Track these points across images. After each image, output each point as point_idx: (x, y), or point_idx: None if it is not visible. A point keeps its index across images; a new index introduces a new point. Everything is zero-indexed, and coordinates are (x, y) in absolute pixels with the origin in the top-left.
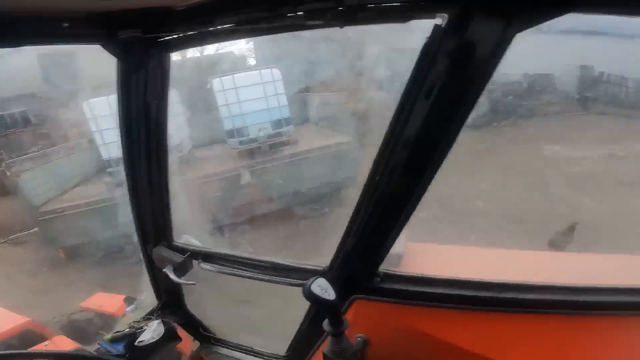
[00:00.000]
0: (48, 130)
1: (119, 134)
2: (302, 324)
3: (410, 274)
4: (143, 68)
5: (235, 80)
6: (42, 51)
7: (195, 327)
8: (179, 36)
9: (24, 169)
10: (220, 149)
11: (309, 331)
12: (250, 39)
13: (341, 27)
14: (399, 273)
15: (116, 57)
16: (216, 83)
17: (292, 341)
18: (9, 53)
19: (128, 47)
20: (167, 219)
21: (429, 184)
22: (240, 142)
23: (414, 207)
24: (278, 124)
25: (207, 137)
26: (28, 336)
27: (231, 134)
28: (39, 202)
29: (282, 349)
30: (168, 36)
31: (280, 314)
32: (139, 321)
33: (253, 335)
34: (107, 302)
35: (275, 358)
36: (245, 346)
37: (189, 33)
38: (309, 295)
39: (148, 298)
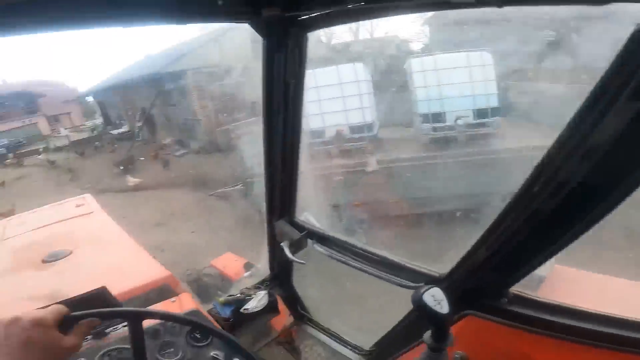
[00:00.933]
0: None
1: (263, 111)
2: (397, 325)
3: (545, 300)
4: (284, 47)
5: (437, 62)
6: None
7: (294, 304)
8: (317, 15)
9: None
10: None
11: (402, 335)
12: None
13: (500, 6)
14: (533, 297)
15: (261, 35)
16: (415, 63)
17: (381, 339)
18: None
19: (271, 26)
20: (293, 195)
21: (611, 209)
22: (435, 129)
23: (579, 234)
24: (482, 113)
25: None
26: (164, 290)
27: (426, 118)
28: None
29: (368, 343)
30: (306, 15)
31: (379, 308)
32: (249, 288)
33: (344, 322)
34: (231, 264)
35: (359, 351)
36: (334, 332)
37: (327, 11)
38: (419, 303)
39: (264, 267)
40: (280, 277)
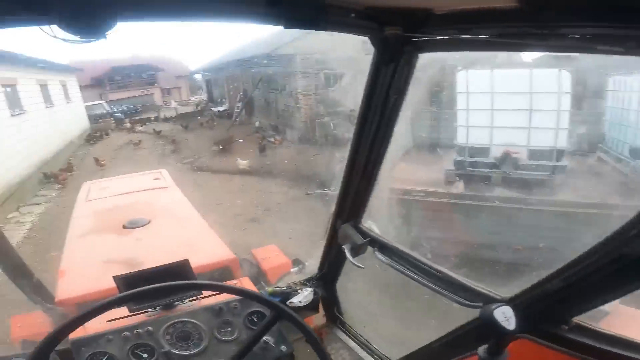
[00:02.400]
0: None
1: (358, 117)
2: (437, 341)
3: (606, 332)
4: (393, 63)
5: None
6: None
7: (332, 305)
8: (433, 39)
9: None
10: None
11: (436, 352)
12: None
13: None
14: (595, 328)
15: (377, 50)
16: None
17: (411, 354)
18: None
19: (386, 41)
20: (365, 202)
21: None
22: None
23: None
24: None
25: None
26: (226, 271)
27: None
28: None
29: (397, 355)
30: (423, 37)
31: (415, 324)
32: (296, 283)
33: (377, 332)
34: (270, 256)
35: None
36: (363, 339)
37: (443, 37)
38: (489, 318)
39: (311, 266)
40: (326, 277)
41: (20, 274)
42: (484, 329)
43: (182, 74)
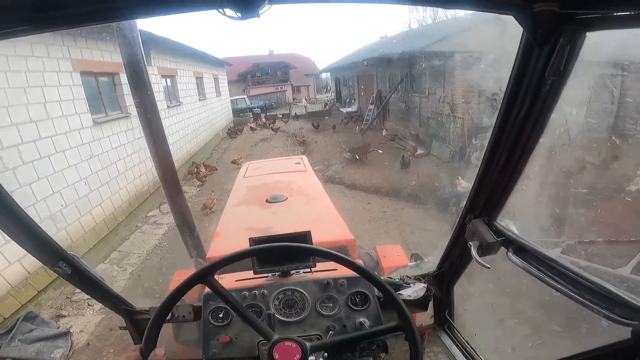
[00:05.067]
0: None
1: (500, 103)
2: None
3: None
4: (549, 43)
5: None
6: None
7: (443, 306)
8: (599, 16)
9: None
10: None
11: None
12: None
13: None
14: None
15: (524, 29)
16: None
17: None
18: None
19: (538, 21)
20: (503, 198)
21: None
22: None
23: None
24: None
25: None
26: (343, 251)
27: None
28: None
29: None
30: (586, 14)
31: (532, 340)
32: (410, 277)
33: (489, 343)
34: (392, 256)
35: None
36: (470, 348)
37: (612, 14)
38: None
39: (430, 263)
40: (444, 276)
41: (187, 228)
42: (636, 352)
43: (310, 72)
